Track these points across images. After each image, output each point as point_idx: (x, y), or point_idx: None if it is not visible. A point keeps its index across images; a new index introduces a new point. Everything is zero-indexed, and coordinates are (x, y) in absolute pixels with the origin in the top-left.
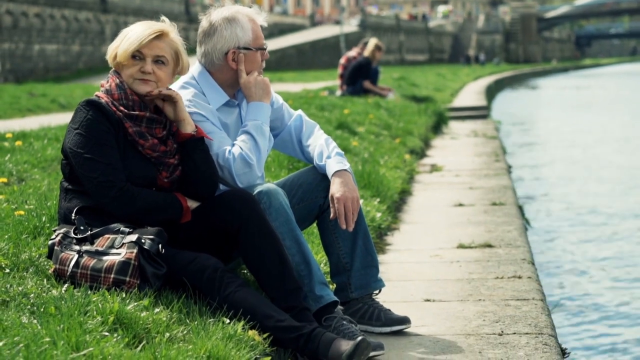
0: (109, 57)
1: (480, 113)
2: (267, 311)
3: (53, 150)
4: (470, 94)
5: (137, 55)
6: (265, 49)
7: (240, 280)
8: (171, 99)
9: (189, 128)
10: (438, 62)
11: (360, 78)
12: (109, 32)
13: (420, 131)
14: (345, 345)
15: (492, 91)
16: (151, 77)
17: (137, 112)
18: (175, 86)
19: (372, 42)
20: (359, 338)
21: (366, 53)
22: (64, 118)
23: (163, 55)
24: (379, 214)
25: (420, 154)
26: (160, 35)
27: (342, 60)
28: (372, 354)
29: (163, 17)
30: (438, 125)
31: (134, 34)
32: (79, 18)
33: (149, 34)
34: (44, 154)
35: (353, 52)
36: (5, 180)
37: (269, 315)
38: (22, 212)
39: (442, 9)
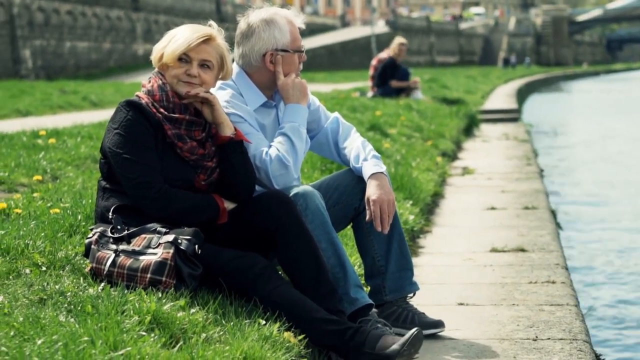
0: (153, 57)
1: (512, 116)
2: (315, 305)
3: (87, 149)
4: (501, 97)
5: (183, 58)
6: (303, 51)
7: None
8: (208, 102)
9: (227, 131)
10: (468, 64)
11: (388, 79)
12: (140, 30)
13: (452, 133)
14: (392, 340)
15: (523, 94)
16: (196, 81)
17: (177, 115)
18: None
19: (395, 41)
20: (415, 329)
21: (391, 53)
22: (96, 116)
23: (209, 59)
24: (411, 217)
25: (452, 156)
26: (208, 40)
27: (374, 62)
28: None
29: (210, 22)
30: (469, 128)
31: (181, 37)
32: (110, 16)
33: (197, 37)
34: (78, 152)
35: (384, 54)
36: (39, 177)
37: (318, 308)
38: (57, 210)
39: (473, 10)
